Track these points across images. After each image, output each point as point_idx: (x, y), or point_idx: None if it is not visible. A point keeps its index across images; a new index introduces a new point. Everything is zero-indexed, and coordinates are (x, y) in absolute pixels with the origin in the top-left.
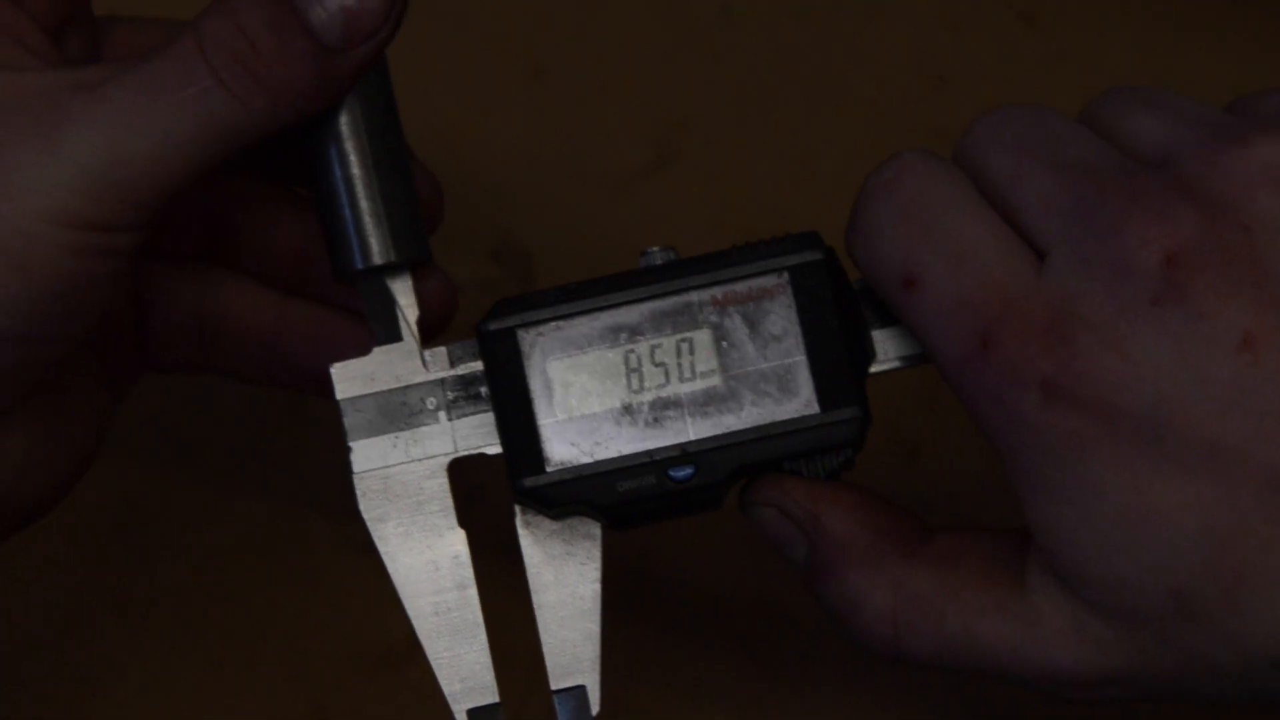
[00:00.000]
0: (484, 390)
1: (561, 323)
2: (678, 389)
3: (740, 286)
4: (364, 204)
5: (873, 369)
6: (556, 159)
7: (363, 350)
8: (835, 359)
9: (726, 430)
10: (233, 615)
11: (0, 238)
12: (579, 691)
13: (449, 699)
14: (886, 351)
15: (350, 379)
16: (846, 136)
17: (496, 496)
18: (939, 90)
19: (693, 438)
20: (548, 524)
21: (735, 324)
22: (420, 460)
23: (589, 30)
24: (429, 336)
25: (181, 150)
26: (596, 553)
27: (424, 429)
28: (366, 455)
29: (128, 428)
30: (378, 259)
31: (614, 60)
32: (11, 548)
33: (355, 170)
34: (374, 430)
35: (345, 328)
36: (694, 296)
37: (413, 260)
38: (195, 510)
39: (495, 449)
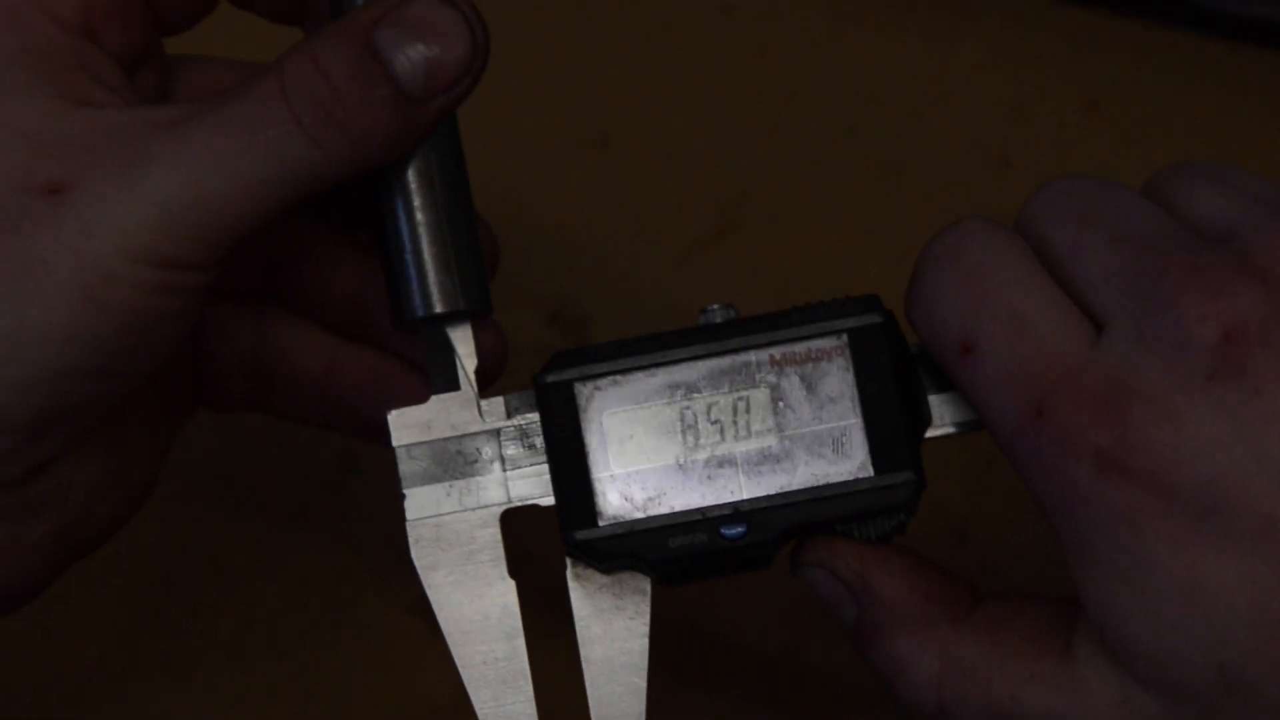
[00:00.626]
0: (539, 442)
1: (619, 377)
2: (732, 447)
3: (799, 347)
4: (431, 251)
5: (928, 434)
6: (617, 226)
7: (416, 399)
8: (891, 422)
9: (779, 490)
10: (279, 671)
11: (80, 275)
12: None
13: None
14: (943, 417)
15: (407, 426)
16: (908, 214)
17: (546, 552)
18: (1002, 173)
19: (745, 496)
20: (598, 578)
21: (792, 384)
22: (473, 510)
23: (655, 100)
24: (479, 388)
25: (258, 192)
26: (646, 608)
27: (478, 479)
28: (420, 503)
29: (180, 479)
30: (440, 307)
31: (679, 130)
32: (62, 597)
33: (423, 217)
34: (428, 478)
35: (400, 376)
36: (752, 356)
37: (475, 311)
38: (245, 564)
39: (548, 500)
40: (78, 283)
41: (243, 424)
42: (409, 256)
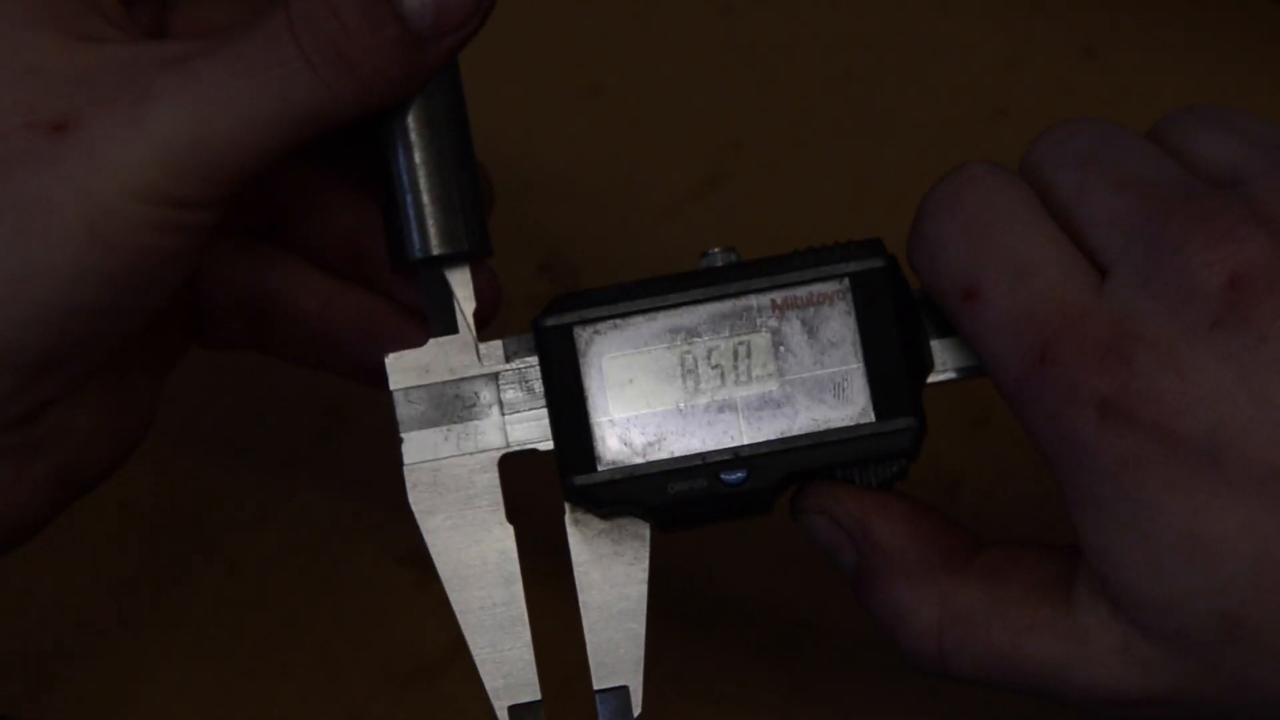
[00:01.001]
0: (538, 386)
1: (619, 321)
2: (733, 392)
3: (800, 291)
4: (432, 193)
5: (930, 379)
6: (609, 175)
7: (412, 343)
8: (893, 368)
9: (780, 435)
10: (268, 622)
11: (85, 213)
12: (621, 692)
13: (490, 694)
14: (944, 363)
15: (404, 370)
16: (902, 164)
17: (546, 497)
18: (998, 122)
19: (746, 442)
20: (597, 523)
21: (794, 329)
22: (472, 454)
23: (648, 48)
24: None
25: (265, 130)
26: (645, 554)
27: (476, 423)
28: (418, 447)
29: (168, 430)
30: (440, 248)
31: (672, 79)
32: (50, 548)
33: (425, 159)
34: (426, 422)
35: (394, 320)
36: (753, 300)
37: (474, 253)
38: (234, 514)
39: (547, 445)
40: (83, 221)
41: (231, 374)
42: (409, 197)
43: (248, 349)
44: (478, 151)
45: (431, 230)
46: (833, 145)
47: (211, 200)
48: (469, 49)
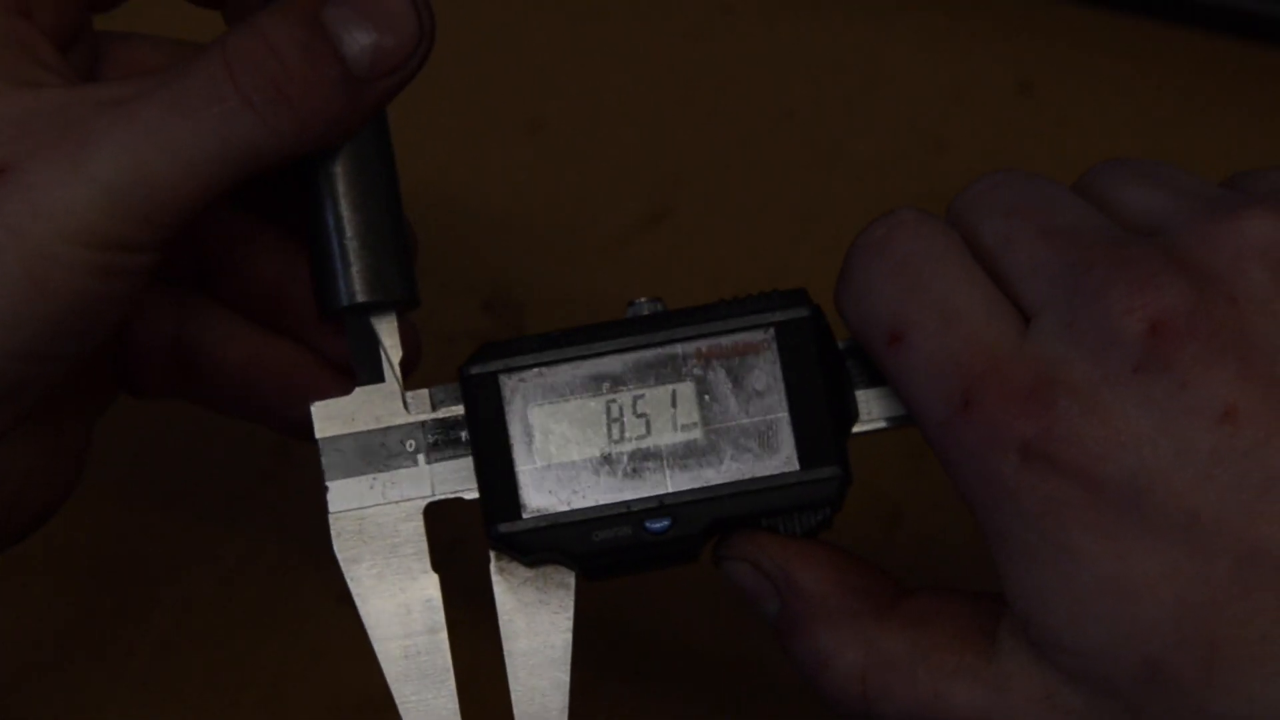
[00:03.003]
0: (464, 435)
1: (545, 369)
2: (658, 441)
3: (725, 340)
4: (360, 239)
5: (857, 429)
6: (551, 212)
7: (337, 396)
8: (818, 417)
9: (705, 484)
10: (213, 662)
11: (22, 257)
12: None
13: None
14: (871, 411)
15: (330, 418)
16: (843, 198)
17: (474, 544)
18: (937, 155)
19: (671, 490)
20: (522, 571)
21: (719, 378)
22: (397, 503)
23: (587, 85)
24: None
25: (205, 170)
26: (570, 602)
27: (402, 471)
28: (343, 495)
29: (111, 471)
30: (366, 296)
31: (612, 114)
32: None
33: (353, 206)
34: (351, 471)
35: (317, 375)
36: (679, 349)
37: (402, 301)
38: (178, 555)
39: (473, 494)
40: (21, 266)
41: (176, 413)
42: (338, 244)
43: (173, 398)
44: (416, 188)
45: (359, 277)
46: (774, 180)
47: (152, 242)
48: (409, 86)
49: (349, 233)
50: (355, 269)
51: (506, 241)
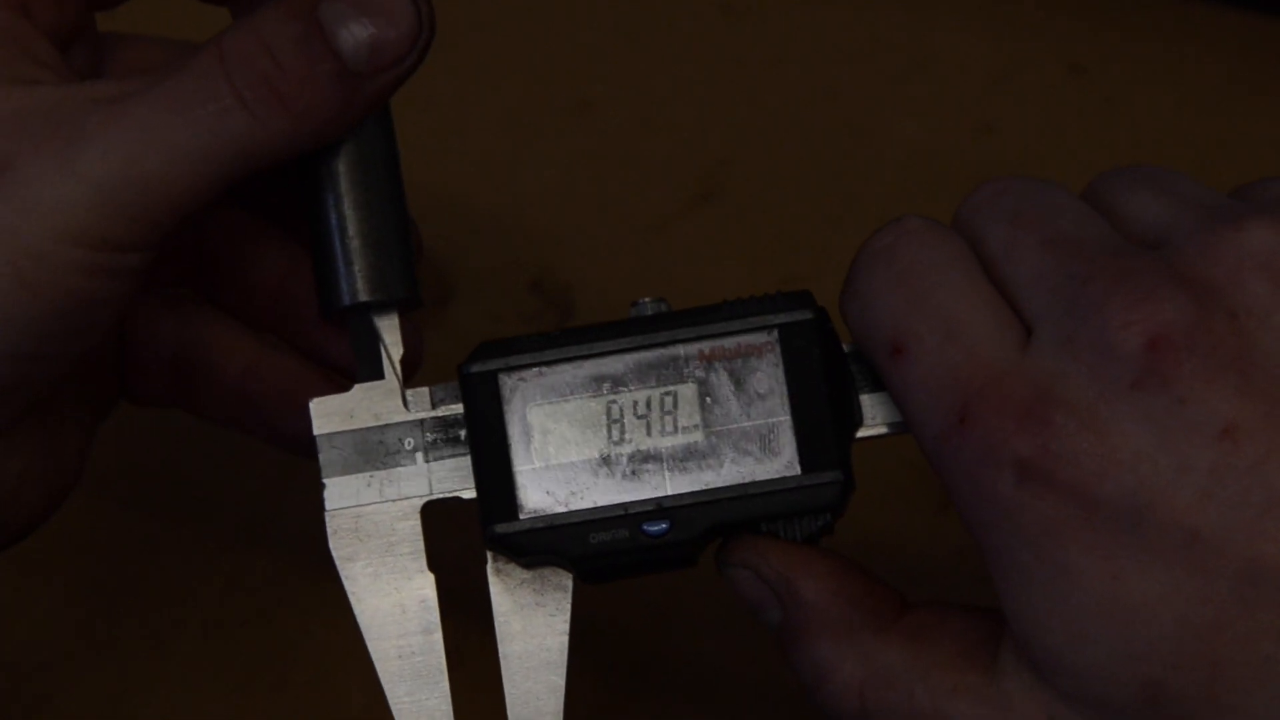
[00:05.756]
0: (463, 433)
1: (545, 369)
2: (658, 443)
3: (728, 342)
4: (363, 238)
5: (859, 434)
6: (598, 192)
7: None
8: (820, 421)
9: (705, 487)
10: (216, 664)
11: (13, 256)
12: None
13: None
14: (875, 416)
15: (329, 415)
16: (888, 181)
17: (469, 544)
18: (983, 138)
19: (670, 493)
20: (519, 572)
21: (721, 380)
22: (394, 501)
23: (635, 66)
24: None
25: (197, 170)
26: (566, 604)
27: (400, 469)
28: (340, 493)
29: (115, 475)
30: (368, 295)
31: (659, 96)
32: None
33: (356, 203)
34: (349, 468)
35: (317, 388)
36: (680, 350)
37: (404, 299)
38: (230, 528)
39: (471, 493)
40: (11, 265)
41: (180, 419)
42: (339, 242)
43: (173, 406)
44: (464, 171)
45: (360, 276)
46: (819, 162)
47: (143, 242)
48: (456, 70)
49: (351, 231)
50: (357, 268)
51: (554, 222)
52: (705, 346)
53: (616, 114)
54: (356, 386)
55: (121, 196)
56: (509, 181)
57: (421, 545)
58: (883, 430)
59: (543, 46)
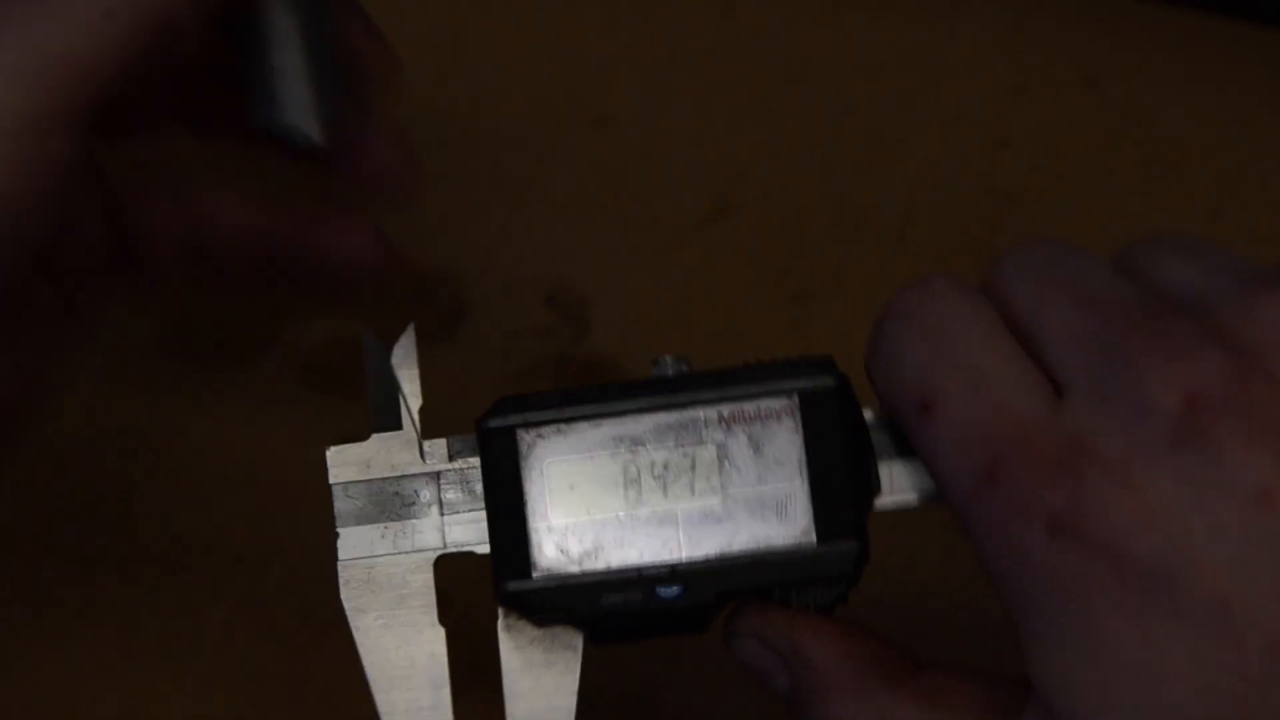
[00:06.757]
0: (480, 488)
1: (564, 426)
2: (675, 505)
3: (748, 406)
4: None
5: (879, 504)
6: (615, 206)
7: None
8: (837, 489)
9: (719, 553)
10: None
11: None
12: None
13: None
14: (895, 486)
15: (345, 464)
16: (905, 195)
17: (481, 599)
18: (999, 153)
19: (684, 557)
20: (530, 630)
21: (739, 444)
22: (408, 553)
23: (653, 81)
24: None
25: (120, 42)
26: (576, 665)
27: (415, 521)
28: (353, 543)
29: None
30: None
31: (676, 110)
32: None
33: (277, 46)
34: (364, 519)
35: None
36: (700, 413)
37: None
38: (240, 549)
39: (485, 548)
40: None
41: (203, 411)
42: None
43: (193, 288)
44: (480, 183)
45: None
46: (836, 176)
47: (68, 127)
48: (473, 81)
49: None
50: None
51: (569, 237)
52: (725, 409)
53: (632, 129)
54: (374, 436)
55: (42, 80)
56: (524, 196)
57: (433, 599)
58: (901, 501)
59: (558, 62)
